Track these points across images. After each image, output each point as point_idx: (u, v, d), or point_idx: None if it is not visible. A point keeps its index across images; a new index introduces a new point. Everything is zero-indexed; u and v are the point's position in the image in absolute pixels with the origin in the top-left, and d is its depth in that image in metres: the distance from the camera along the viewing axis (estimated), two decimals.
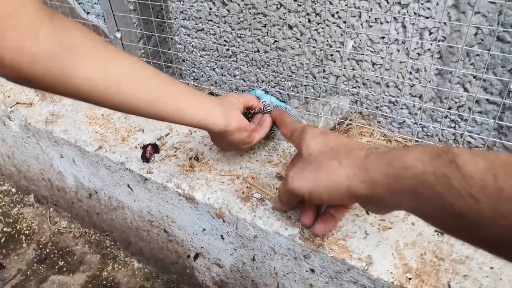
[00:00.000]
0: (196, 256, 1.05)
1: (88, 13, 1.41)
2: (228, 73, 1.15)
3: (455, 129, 0.86)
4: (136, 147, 1.03)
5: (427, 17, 0.77)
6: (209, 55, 1.14)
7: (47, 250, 1.30)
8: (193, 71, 1.22)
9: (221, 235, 0.92)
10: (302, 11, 0.90)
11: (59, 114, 1.19)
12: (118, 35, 1.06)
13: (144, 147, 1.00)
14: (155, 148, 1.00)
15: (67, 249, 1.30)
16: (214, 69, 1.17)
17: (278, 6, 0.92)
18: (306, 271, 0.81)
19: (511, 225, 0.32)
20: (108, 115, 1.16)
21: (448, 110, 0.83)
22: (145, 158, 0.98)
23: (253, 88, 1.09)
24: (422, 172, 0.40)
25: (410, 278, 0.69)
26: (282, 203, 0.72)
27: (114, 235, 1.30)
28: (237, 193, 0.87)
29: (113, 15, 1.03)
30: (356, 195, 0.51)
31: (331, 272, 0.77)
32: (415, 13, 0.77)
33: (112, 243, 1.32)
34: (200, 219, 0.93)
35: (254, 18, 0.97)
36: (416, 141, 0.92)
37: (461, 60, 0.78)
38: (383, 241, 0.75)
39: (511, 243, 0.33)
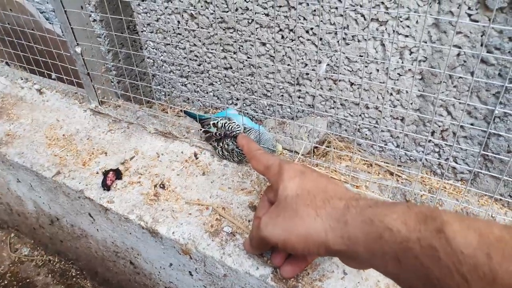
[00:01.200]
0: None
1: (51, 23, 1.32)
2: (200, 90, 1.08)
3: (439, 154, 0.81)
4: (97, 172, 0.95)
5: (406, 36, 0.71)
6: (179, 70, 1.07)
7: (5, 282, 1.20)
8: (164, 87, 1.14)
9: (189, 272, 0.85)
10: (275, 26, 0.83)
11: (15, 134, 1.10)
12: (78, 49, 0.98)
13: (105, 174, 0.91)
14: (117, 174, 0.92)
15: (28, 280, 1.20)
16: (185, 85, 1.10)
17: (250, 21, 0.85)
18: None
19: None
20: (69, 135, 1.07)
21: (431, 136, 0.77)
22: (106, 186, 0.89)
23: (226, 107, 1.02)
24: (406, 238, 0.35)
25: None
26: (253, 248, 0.65)
27: (80, 264, 1.21)
28: (205, 227, 0.80)
29: (71, 28, 0.94)
30: (333, 251, 0.45)
31: None
32: (394, 31, 0.71)
33: (78, 272, 1.23)
34: (166, 253, 0.85)
35: (225, 33, 0.90)
36: (398, 165, 0.86)
37: (443, 82, 0.72)
38: (362, 282, 0.68)
39: None
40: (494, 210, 0.75)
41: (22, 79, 1.27)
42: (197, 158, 0.94)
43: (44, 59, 1.15)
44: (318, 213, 0.47)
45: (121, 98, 1.14)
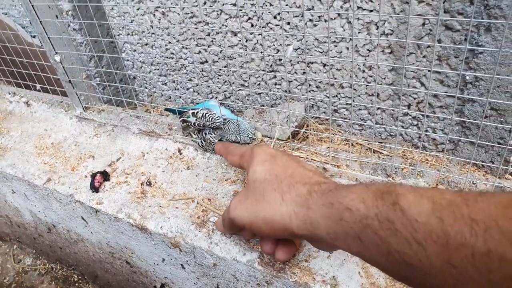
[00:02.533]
0: (162, 287, 0.98)
1: (34, 36, 1.34)
2: (180, 87, 1.09)
3: (418, 127, 0.81)
4: (86, 176, 0.96)
5: (371, 10, 0.71)
6: (158, 69, 1.07)
7: None
8: (146, 88, 1.15)
9: (181, 265, 0.86)
10: (243, 15, 0.83)
11: (6, 147, 1.12)
12: (57, 58, 0.99)
13: (93, 176, 0.93)
14: (105, 176, 0.93)
15: None
16: (166, 84, 1.11)
17: (219, 13, 0.86)
18: None
19: (461, 276, 0.28)
20: (58, 143, 1.08)
21: (407, 109, 0.77)
22: (94, 188, 0.91)
23: (206, 100, 1.02)
24: (365, 215, 0.35)
25: None
26: (224, 228, 0.65)
27: (80, 269, 1.23)
28: (192, 219, 0.81)
29: (48, 37, 0.96)
30: (297, 235, 0.46)
31: None
32: (358, 7, 0.71)
33: (80, 277, 1.25)
34: (157, 249, 0.86)
35: (196, 28, 0.91)
36: (379, 142, 0.86)
37: (412, 53, 0.72)
38: (348, 259, 0.69)
39: None
40: (475, 177, 0.75)
41: (9, 94, 1.29)
42: (181, 154, 0.95)
43: (28, 72, 1.17)
44: (283, 198, 0.48)
45: (105, 103, 1.16)
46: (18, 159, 1.06)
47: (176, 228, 0.80)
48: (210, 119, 0.87)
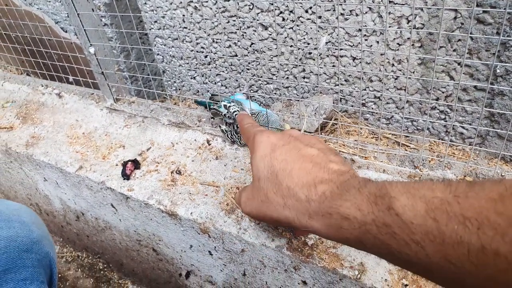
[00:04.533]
0: (188, 274, 1.00)
1: (66, 31, 1.39)
2: (209, 80, 1.11)
3: (445, 121, 0.82)
4: (117, 165, 0.99)
5: (402, 4, 0.73)
6: (188, 63, 1.10)
7: None
8: (175, 82, 1.18)
9: (209, 251, 0.88)
10: (275, 9, 0.86)
11: (40, 136, 1.16)
12: (92, 50, 1.03)
13: (124, 164, 0.96)
14: (136, 164, 0.96)
15: (60, 275, 1.26)
16: (194, 78, 1.13)
17: (251, 7, 0.88)
18: (298, 283, 0.76)
19: (459, 271, 0.29)
20: (89, 133, 1.12)
21: (436, 101, 0.78)
22: (126, 175, 0.94)
23: (233, 93, 1.05)
24: (363, 222, 0.37)
25: (406, 285, 0.63)
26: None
27: (106, 257, 1.26)
28: (221, 206, 0.83)
29: (84, 30, 1.00)
30: (303, 234, 0.48)
31: (323, 284, 0.72)
32: (390, 1, 0.73)
33: (105, 266, 1.28)
34: (185, 235, 0.89)
35: (228, 22, 0.94)
36: (406, 136, 0.87)
37: (442, 47, 0.73)
38: None
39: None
40: (503, 170, 0.76)
41: (42, 86, 1.34)
42: (209, 145, 0.98)
43: (61, 64, 1.21)
44: (285, 202, 0.48)
45: (135, 95, 1.19)
46: (51, 148, 1.10)
47: (206, 214, 0.82)
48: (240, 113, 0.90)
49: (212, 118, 0.96)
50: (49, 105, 1.28)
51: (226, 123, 0.94)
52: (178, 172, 0.93)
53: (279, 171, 0.50)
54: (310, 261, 0.70)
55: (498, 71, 0.69)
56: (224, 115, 0.92)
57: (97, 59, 1.04)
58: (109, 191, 0.96)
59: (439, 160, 0.77)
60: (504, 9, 0.63)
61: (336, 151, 0.56)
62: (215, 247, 0.85)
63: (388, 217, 0.34)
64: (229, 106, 0.92)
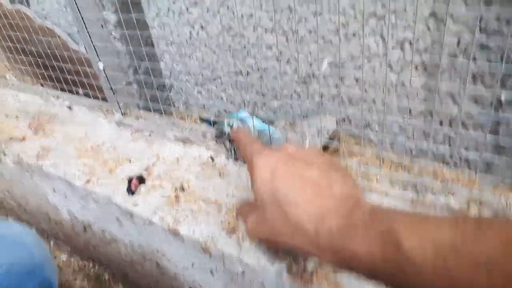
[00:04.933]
0: None
1: (78, 43, 1.42)
2: (214, 96, 1.12)
3: (450, 145, 0.80)
4: (123, 179, 1.01)
5: (405, 28, 0.72)
6: (194, 78, 1.12)
7: None
8: (181, 96, 1.20)
9: (210, 270, 0.88)
10: (279, 29, 0.86)
11: (50, 147, 1.19)
12: (101, 66, 1.05)
13: (129, 180, 0.97)
14: (141, 180, 0.97)
15: (67, 285, 1.28)
16: (200, 93, 1.15)
17: (255, 26, 0.89)
18: None
19: None
20: (97, 146, 1.14)
21: (440, 125, 0.77)
22: (131, 191, 0.95)
23: (239, 110, 1.06)
24: (372, 261, 0.38)
25: None
26: None
27: (112, 268, 1.28)
28: (222, 225, 0.83)
29: (93, 46, 1.02)
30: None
31: None
32: (392, 23, 0.73)
33: (111, 276, 1.30)
34: (188, 253, 0.89)
35: (233, 39, 0.94)
36: (410, 159, 0.86)
37: (446, 71, 0.72)
38: None
39: None
40: (509, 198, 0.74)
41: (54, 97, 1.37)
42: (213, 161, 0.99)
43: (71, 77, 1.24)
44: (293, 234, 0.48)
45: (142, 109, 1.21)
46: (60, 159, 1.13)
47: (207, 233, 0.82)
48: None
49: (216, 137, 0.97)
50: (60, 117, 1.31)
51: (230, 141, 0.95)
52: (181, 188, 0.94)
53: (282, 200, 0.49)
54: (309, 287, 0.70)
55: (503, 99, 0.68)
56: (228, 133, 0.93)
57: (105, 74, 1.07)
58: (115, 205, 0.98)
59: (442, 185, 0.76)
60: (506, 36, 0.62)
61: (337, 163, 0.56)
62: (216, 267, 0.86)
63: (398, 256, 0.35)
64: (232, 124, 0.93)
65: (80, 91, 1.20)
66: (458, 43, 0.68)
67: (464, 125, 0.76)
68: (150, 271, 1.10)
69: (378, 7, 0.72)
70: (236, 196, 0.88)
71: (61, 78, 1.28)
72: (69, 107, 1.30)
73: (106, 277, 1.29)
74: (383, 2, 0.71)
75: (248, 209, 0.63)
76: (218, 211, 0.87)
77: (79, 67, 1.19)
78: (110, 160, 1.08)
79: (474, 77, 0.70)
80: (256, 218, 0.56)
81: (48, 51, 1.28)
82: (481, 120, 0.74)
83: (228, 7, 0.90)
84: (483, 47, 0.67)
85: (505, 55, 0.63)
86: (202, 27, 0.97)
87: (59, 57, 1.25)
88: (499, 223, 0.31)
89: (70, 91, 1.30)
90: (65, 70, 1.25)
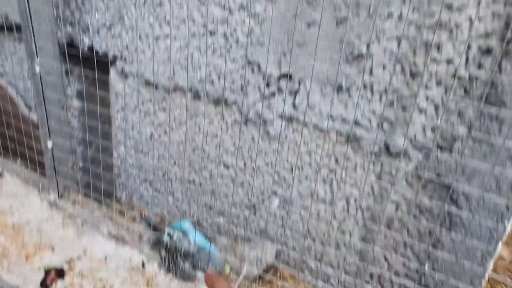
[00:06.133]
0: None
1: (30, 109, 1.37)
2: (161, 197, 1.11)
3: None
4: (39, 268, 0.92)
5: (352, 184, 0.80)
6: (144, 176, 1.11)
7: None
8: (126, 188, 1.17)
9: None
10: (239, 155, 0.91)
11: None
12: (49, 144, 1.02)
13: (47, 272, 0.89)
14: (60, 274, 0.89)
15: None
16: (147, 190, 1.13)
17: (217, 145, 0.93)
18: None
19: None
20: (20, 225, 1.05)
21: (370, 278, 0.81)
22: (45, 286, 0.86)
23: (182, 219, 1.05)
24: None
25: None
26: None
27: None
28: None
29: (47, 123, 0.99)
30: None
31: None
32: (341, 178, 0.80)
33: None
34: None
35: (194, 152, 0.97)
36: None
37: (382, 230, 0.79)
38: None
39: None
40: None
41: None
42: (144, 267, 0.94)
43: (12, 144, 1.17)
44: None
45: (82, 192, 1.15)
46: None
47: None
48: (182, 245, 0.89)
49: (153, 243, 0.94)
50: None
51: (166, 250, 0.92)
52: None
53: None
54: None
55: (426, 268, 0.75)
56: (167, 244, 0.91)
57: (52, 154, 1.03)
58: None
59: None
60: (435, 216, 0.71)
61: None
62: None
63: None
64: (173, 234, 0.91)
65: (18, 161, 1.13)
66: (396, 209, 0.76)
67: (392, 283, 0.81)
68: None
69: (332, 161, 0.80)
70: None
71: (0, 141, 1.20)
72: (0, 173, 1.21)
73: None
74: (336, 157, 0.79)
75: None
76: None
77: (24, 136, 1.14)
78: (30, 244, 0.99)
79: (405, 244, 0.78)
80: None
81: None
82: (406, 283, 0.80)
83: (195, 123, 0.94)
84: (415, 216, 0.75)
85: (433, 235, 0.71)
86: (165, 132, 1.00)
87: (3, 120, 1.20)
88: None
89: (5, 155, 1.22)
90: (6, 134, 1.19)
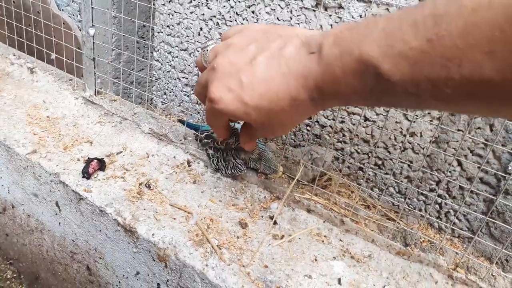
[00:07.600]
0: None
1: (62, 10, 1.29)
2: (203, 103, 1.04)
3: (441, 206, 0.79)
4: (78, 159, 0.87)
5: None
6: (187, 78, 1.04)
7: None
8: (164, 93, 1.10)
9: (158, 284, 0.75)
10: None
11: None
12: (92, 31, 0.94)
13: (88, 161, 0.83)
14: (101, 164, 0.84)
15: None
16: (188, 96, 1.06)
17: None
18: None
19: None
20: (55, 118, 0.99)
21: (436, 185, 0.76)
22: (87, 174, 0.81)
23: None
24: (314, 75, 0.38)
25: None
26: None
27: (20, 265, 1.06)
28: (189, 234, 0.72)
29: (92, 8, 0.91)
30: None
31: None
32: None
33: (15, 275, 1.07)
34: (136, 258, 0.76)
35: None
36: (396, 212, 0.84)
37: (460, 130, 0.72)
38: None
39: None
40: (494, 271, 0.73)
41: (14, 55, 1.20)
42: (189, 166, 0.88)
43: (48, 37, 1.09)
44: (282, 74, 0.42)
45: (120, 94, 1.09)
46: (4, 122, 0.95)
47: (169, 240, 0.71)
48: (236, 139, 0.83)
49: (202, 145, 0.88)
50: (15, 77, 1.14)
51: (214, 148, 0.86)
52: (147, 185, 0.82)
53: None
54: None
55: (510, 168, 0.69)
56: (218, 142, 0.84)
57: (93, 42, 0.95)
58: (61, 186, 0.82)
59: (431, 244, 0.73)
60: None
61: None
62: (167, 281, 0.73)
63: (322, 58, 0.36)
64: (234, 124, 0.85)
65: (53, 55, 1.06)
66: None
67: (461, 188, 0.76)
68: (74, 276, 0.92)
69: None
70: (209, 208, 0.78)
71: (33, 37, 1.13)
72: (31, 70, 1.14)
73: (9, 275, 1.06)
74: None
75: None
76: (186, 219, 0.76)
77: (53, 36, 1.06)
78: (67, 137, 0.93)
79: (485, 143, 0.71)
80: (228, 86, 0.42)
81: (21, 11, 1.14)
82: (479, 187, 0.74)
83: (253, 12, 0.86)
84: None
85: None
86: (217, 24, 0.92)
87: (33, 15, 1.11)
88: None
89: (40, 57, 1.15)
90: (39, 30, 1.11)
